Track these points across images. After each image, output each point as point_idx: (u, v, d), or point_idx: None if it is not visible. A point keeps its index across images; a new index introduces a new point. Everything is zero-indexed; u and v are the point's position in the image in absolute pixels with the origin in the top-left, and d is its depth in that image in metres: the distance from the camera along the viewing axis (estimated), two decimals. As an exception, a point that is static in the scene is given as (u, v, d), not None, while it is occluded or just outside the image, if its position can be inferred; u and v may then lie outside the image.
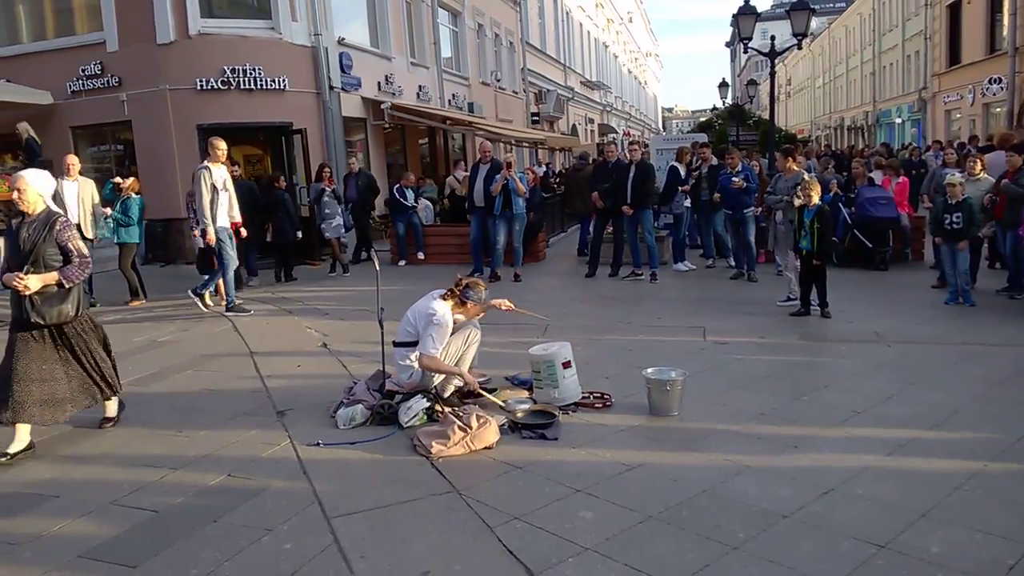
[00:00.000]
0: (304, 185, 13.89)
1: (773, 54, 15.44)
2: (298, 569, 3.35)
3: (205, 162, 8.94)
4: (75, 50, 14.03)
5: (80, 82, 13.88)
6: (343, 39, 15.38)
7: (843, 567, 3.22)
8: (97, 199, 9.76)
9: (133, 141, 13.96)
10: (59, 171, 9.31)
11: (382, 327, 5.45)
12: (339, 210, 12.13)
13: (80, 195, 9.44)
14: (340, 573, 3.32)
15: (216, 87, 13.38)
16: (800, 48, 18.80)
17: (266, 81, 13.66)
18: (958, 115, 29.73)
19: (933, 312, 8.28)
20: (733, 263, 10.99)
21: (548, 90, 31.45)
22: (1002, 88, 24.47)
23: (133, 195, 10.00)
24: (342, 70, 15.06)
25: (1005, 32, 24.84)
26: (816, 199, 7.89)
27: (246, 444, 4.85)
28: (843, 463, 4.28)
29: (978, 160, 9.16)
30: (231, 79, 13.41)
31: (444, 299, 5.34)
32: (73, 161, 9.56)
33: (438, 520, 3.76)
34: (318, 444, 4.76)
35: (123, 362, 6.97)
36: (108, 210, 9.78)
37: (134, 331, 8.32)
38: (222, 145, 8.90)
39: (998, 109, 25.95)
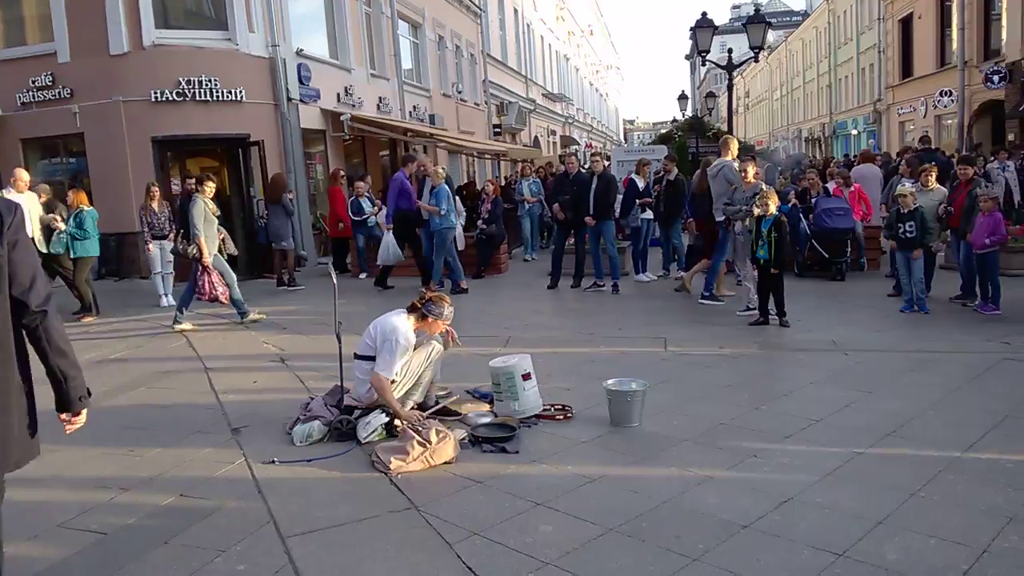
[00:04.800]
0: (261, 197, 13.71)
1: (731, 67, 15.66)
2: (251, 591, 3.26)
3: None
4: (25, 61, 13.72)
5: (30, 93, 13.58)
6: (301, 50, 15.26)
7: (802, 577, 3.22)
8: (41, 212, 9.57)
9: (86, 153, 13.68)
10: (6, 185, 9.13)
11: (340, 341, 5.37)
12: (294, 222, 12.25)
13: (30, 208, 9.24)
14: (295, 594, 3.24)
15: (171, 98, 13.16)
16: (757, 61, 19.08)
17: (222, 92, 13.47)
18: (912, 127, 30.41)
19: (889, 320, 8.40)
20: (681, 274, 10.99)
21: (510, 102, 31.52)
22: (953, 101, 25.08)
23: (85, 208, 9.79)
24: (300, 81, 14.94)
25: (954, 47, 25.49)
26: (773, 209, 7.98)
27: (199, 463, 4.74)
28: (802, 472, 4.30)
29: (931, 172, 9.34)
30: (186, 90, 13.21)
31: (408, 315, 5.26)
32: (21, 175, 9.34)
33: (396, 538, 3.69)
34: (273, 462, 4.66)
35: (73, 380, 6.83)
36: (61, 225, 9.56)
37: (87, 348, 8.12)
38: None
39: (949, 121, 26.60)
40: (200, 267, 8.62)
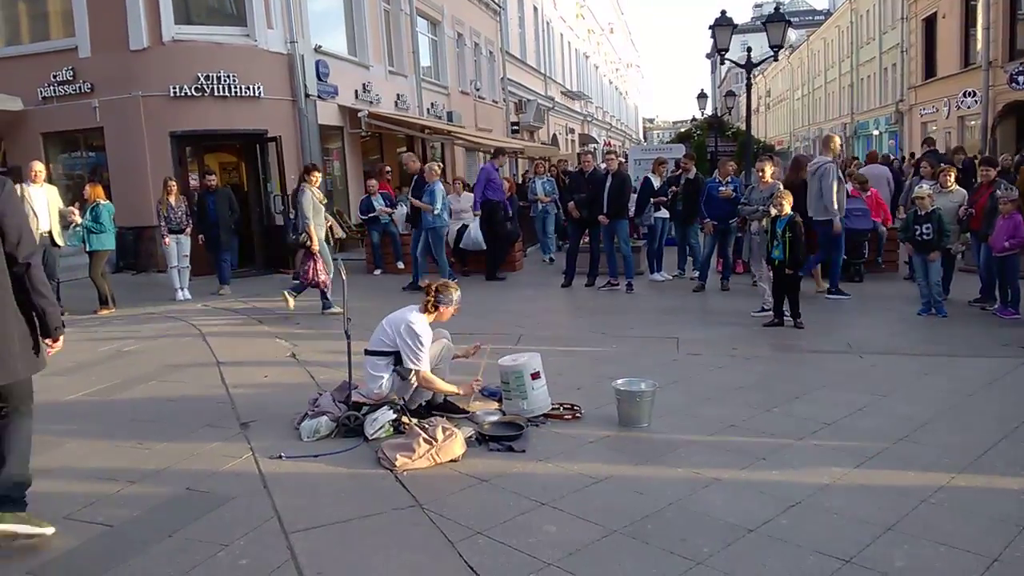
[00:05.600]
0: (278, 193, 13.77)
1: (749, 65, 15.52)
2: (252, 586, 3.26)
3: None
4: (46, 55, 13.86)
5: (51, 88, 13.72)
6: (320, 47, 15.30)
7: (807, 582, 3.17)
8: (61, 204, 9.65)
9: (105, 148, 13.80)
10: (26, 178, 9.22)
11: (348, 338, 5.37)
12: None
13: (48, 201, 9.33)
14: (296, 590, 3.24)
15: (190, 94, 13.25)
16: (776, 59, 18.91)
17: (241, 88, 13.54)
18: (934, 127, 30.05)
19: (906, 323, 8.30)
20: (697, 275, 10.92)
21: (528, 100, 31.47)
22: (976, 101, 24.76)
23: (102, 201, 9.88)
24: (318, 78, 14.97)
25: (979, 47, 25.16)
26: (788, 209, 7.89)
27: (207, 456, 4.75)
28: (811, 476, 4.24)
29: (950, 173, 9.21)
30: (205, 86, 13.29)
31: (420, 311, 5.25)
32: (38, 168, 9.43)
33: (399, 535, 3.68)
34: (280, 457, 4.66)
35: (88, 372, 6.88)
36: (78, 218, 9.64)
37: (101, 340, 8.18)
38: None
39: (973, 122, 26.26)
40: (307, 253, 9.09)
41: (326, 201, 9.62)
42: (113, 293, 10.05)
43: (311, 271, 9.04)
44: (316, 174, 9.45)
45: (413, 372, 5.07)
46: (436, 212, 10.79)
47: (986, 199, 8.74)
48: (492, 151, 14.58)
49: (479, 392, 5.81)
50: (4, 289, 3.46)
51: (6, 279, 3.46)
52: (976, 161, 13.80)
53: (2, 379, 3.48)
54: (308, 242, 9.03)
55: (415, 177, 11.47)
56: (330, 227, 9.62)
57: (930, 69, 30.47)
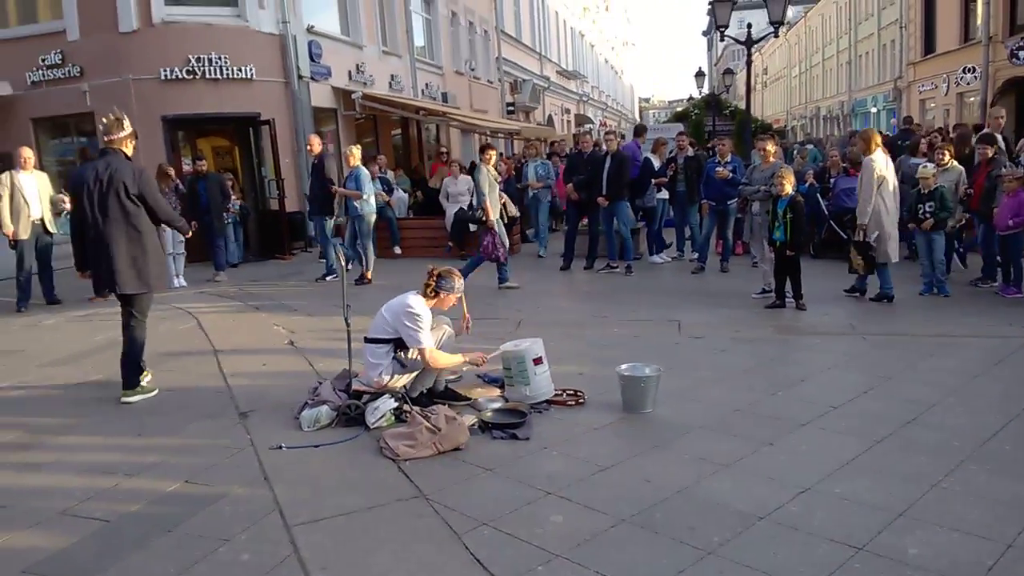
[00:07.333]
0: (273, 178, 13.63)
1: (749, 42, 15.36)
2: (255, 582, 3.19)
3: None
4: (35, 39, 13.62)
5: (40, 72, 13.49)
6: (312, 27, 15.08)
7: (820, 572, 3.11)
8: (52, 191, 9.53)
9: (96, 133, 13.61)
10: (15, 165, 9.11)
11: (348, 325, 5.29)
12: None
13: (39, 188, 9.21)
14: (299, 586, 3.17)
15: (181, 77, 13.04)
16: (777, 36, 18.72)
17: (232, 70, 13.34)
18: (932, 104, 29.89)
19: (908, 303, 8.23)
20: (696, 256, 10.83)
21: (524, 80, 31.20)
22: (976, 77, 24.59)
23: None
24: (311, 59, 14.77)
25: (979, 21, 24.96)
26: (789, 189, 7.80)
27: (206, 448, 4.67)
28: (820, 460, 4.19)
29: (946, 150, 9.11)
30: (196, 68, 13.08)
31: (419, 295, 5.16)
32: (28, 154, 9.29)
33: (403, 527, 3.62)
34: (280, 447, 4.58)
35: (83, 362, 6.79)
36: (68, 205, 9.50)
37: (96, 329, 8.07)
38: None
39: (972, 99, 26.09)
40: (486, 230, 9.44)
41: (500, 179, 9.90)
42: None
43: (490, 245, 9.35)
44: (491, 152, 9.79)
45: (418, 352, 4.95)
46: (364, 199, 10.03)
47: (984, 178, 8.65)
48: (634, 129, 14.73)
49: (480, 378, 5.76)
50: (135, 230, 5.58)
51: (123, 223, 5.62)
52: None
53: (133, 288, 5.58)
54: (484, 218, 9.35)
55: (314, 161, 10.51)
56: (504, 203, 9.86)
57: (929, 45, 30.22)
